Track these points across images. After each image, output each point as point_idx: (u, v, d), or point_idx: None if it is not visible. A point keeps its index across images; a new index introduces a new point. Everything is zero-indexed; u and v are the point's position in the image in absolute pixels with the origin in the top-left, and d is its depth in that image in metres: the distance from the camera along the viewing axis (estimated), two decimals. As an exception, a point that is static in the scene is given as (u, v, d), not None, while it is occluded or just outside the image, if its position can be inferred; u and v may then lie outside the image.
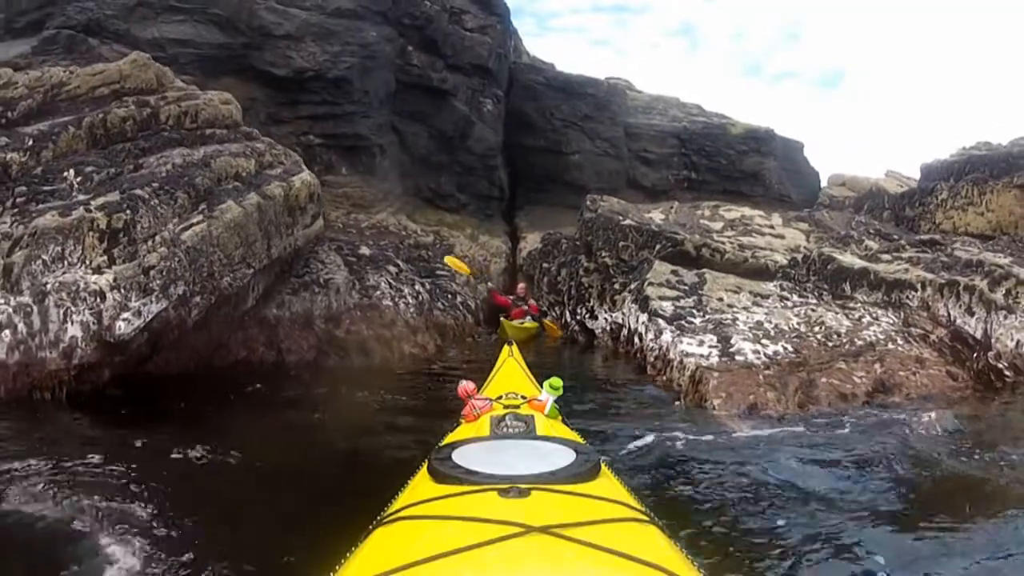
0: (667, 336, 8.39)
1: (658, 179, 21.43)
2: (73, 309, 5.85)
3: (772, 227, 12.26)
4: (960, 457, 5.49)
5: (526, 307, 13.20)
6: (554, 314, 14.20)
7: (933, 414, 6.35)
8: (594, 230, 13.15)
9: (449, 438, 3.42)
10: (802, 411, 6.47)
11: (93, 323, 5.91)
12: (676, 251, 10.84)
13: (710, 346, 7.69)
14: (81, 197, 6.71)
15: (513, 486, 2.22)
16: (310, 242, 10.20)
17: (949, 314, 8.41)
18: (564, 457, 2.62)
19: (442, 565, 1.80)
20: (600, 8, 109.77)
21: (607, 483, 2.53)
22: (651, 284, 9.85)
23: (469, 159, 18.03)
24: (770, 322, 8.45)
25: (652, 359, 8.65)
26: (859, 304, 9.06)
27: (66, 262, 6.11)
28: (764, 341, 7.79)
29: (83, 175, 7.08)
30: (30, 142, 7.23)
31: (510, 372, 4.97)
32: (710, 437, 5.84)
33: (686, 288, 9.70)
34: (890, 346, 7.87)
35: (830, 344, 7.92)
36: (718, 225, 12.45)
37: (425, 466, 2.73)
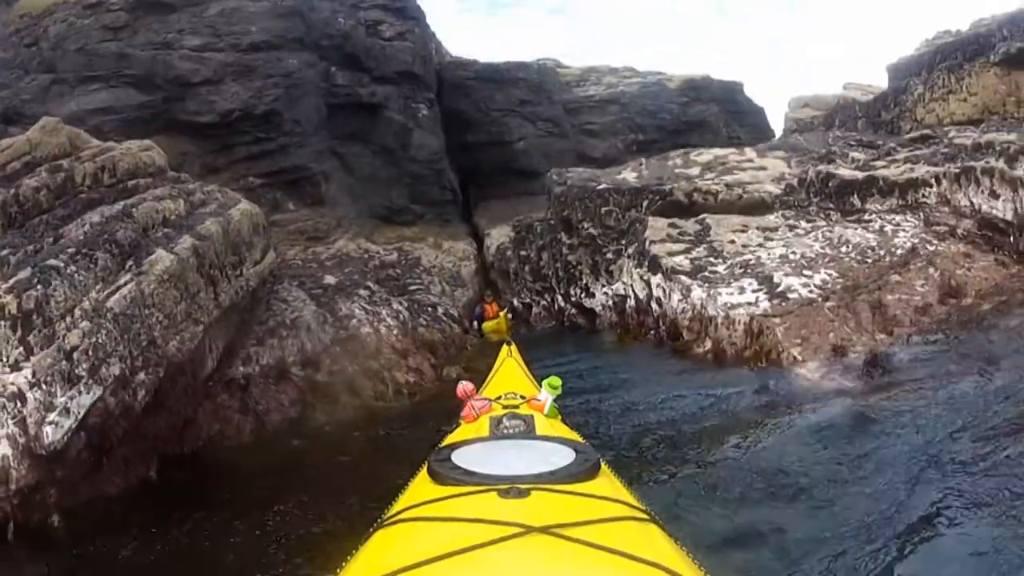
0: (698, 292, 7.65)
1: (607, 148, 21.25)
2: (-5, 422, 4.61)
3: (750, 160, 11.79)
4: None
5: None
6: (545, 301, 13.68)
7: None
8: (569, 203, 12.47)
9: (448, 439, 3.41)
10: (890, 339, 5.57)
11: (19, 434, 4.77)
12: (667, 203, 10.26)
13: (753, 291, 6.93)
14: (-8, 287, 5.59)
15: (513, 486, 2.24)
16: (265, 281, 9.32)
17: (972, 202, 8.01)
18: (564, 457, 2.62)
19: (443, 566, 1.80)
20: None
21: (607, 482, 2.55)
22: (653, 242, 9.26)
23: (415, 168, 17.63)
24: (794, 253, 7.93)
25: (686, 323, 7.85)
26: (873, 215, 8.62)
27: (-22, 365, 4.90)
28: (806, 272, 7.14)
29: (-2, 261, 6.00)
30: (-64, 235, 6.14)
31: (509, 372, 5.03)
32: (812, 417, 4.51)
33: (691, 238, 9.15)
34: (930, 247, 7.40)
35: (869, 260, 7.41)
36: (695, 171, 11.91)
37: (425, 468, 2.72)
